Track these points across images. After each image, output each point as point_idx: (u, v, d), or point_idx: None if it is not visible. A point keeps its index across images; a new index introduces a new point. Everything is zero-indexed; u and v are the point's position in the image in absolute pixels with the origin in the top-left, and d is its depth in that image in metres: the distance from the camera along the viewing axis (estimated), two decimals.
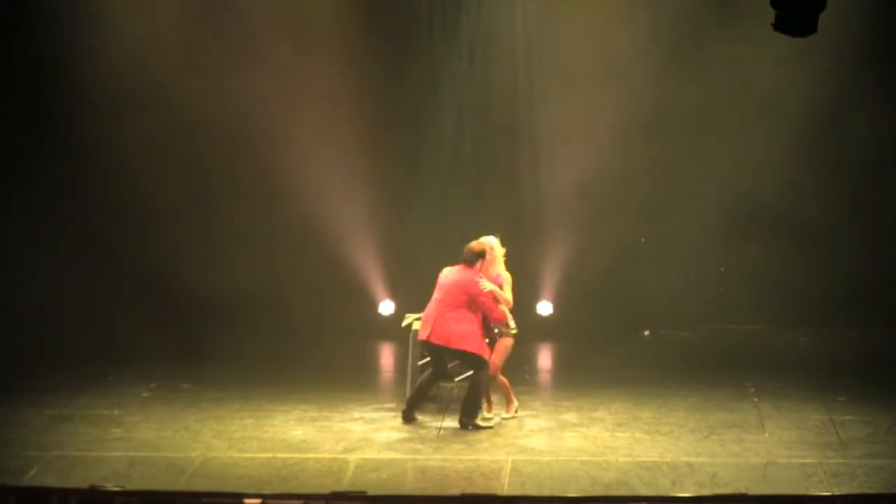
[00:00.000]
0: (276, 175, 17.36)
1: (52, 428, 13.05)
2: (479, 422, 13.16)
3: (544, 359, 17.04)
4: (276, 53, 16.91)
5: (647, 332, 17.79)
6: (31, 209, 17.05)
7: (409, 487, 11.42)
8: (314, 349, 16.61)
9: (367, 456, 12.17)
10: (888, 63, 16.86)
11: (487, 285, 13.08)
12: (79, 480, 11.28)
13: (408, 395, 13.90)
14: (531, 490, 11.23)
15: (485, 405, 13.37)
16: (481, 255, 13.22)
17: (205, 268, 16.92)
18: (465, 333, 13.06)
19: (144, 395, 14.50)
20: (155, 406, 14.00)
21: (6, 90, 16.89)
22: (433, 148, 17.51)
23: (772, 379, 15.17)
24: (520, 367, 15.41)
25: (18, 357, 15.71)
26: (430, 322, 13.17)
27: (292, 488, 11.17)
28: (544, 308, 17.88)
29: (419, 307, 13.67)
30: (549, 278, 17.80)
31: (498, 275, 13.23)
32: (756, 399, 14.27)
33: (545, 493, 11.15)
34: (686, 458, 12.06)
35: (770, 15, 11.66)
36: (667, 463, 11.92)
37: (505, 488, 11.29)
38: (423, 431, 13.09)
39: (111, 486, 10.95)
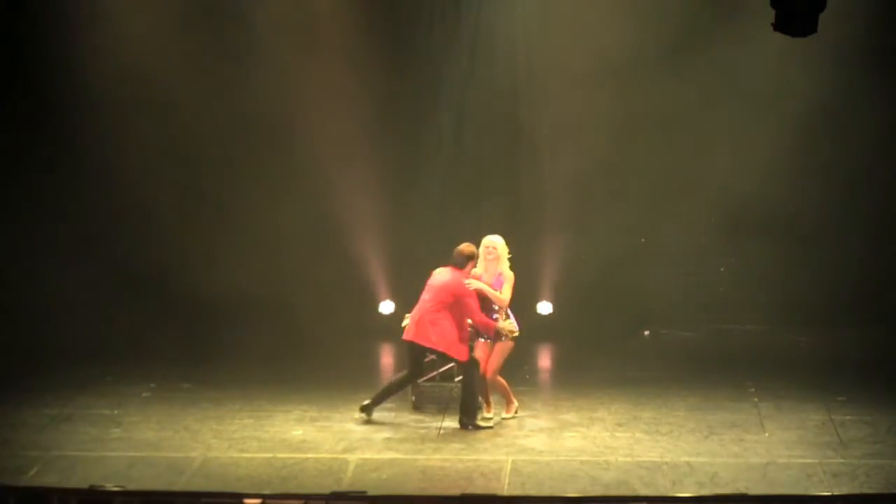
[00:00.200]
0: (277, 175, 17.36)
1: (52, 428, 13.05)
2: (479, 422, 13.17)
3: (544, 359, 17.04)
4: (277, 53, 16.89)
5: (647, 332, 17.79)
6: (33, 209, 17.04)
7: (409, 487, 11.42)
8: (314, 349, 16.60)
9: (367, 456, 12.17)
10: (889, 62, 16.85)
11: (473, 283, 13.08)
12: (79, 480, 11.28)
13: (411, 397, 13.91)
14: (531, 490, 11.23)
15: (484, 405, 13.37)
16: (471, 257, 13.23)
17: (205, 268, 16.91)
18: (443, 334, 13.09)
19: (144, 395, 14.50)
20: (155, 406, 14.00)
21: (9, 91, 16.87)
22: (433, 147, 17.51)
23: (772, 379, 15.17)
24: (520, 367, 15.41)
25: (18, 357, 15.70)
26: (413, 322, 13.22)
27: (292, 488, 11.17)
28: (544, 308, 17.88)
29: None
30: (549, 278, 17.80)
31: (500, 273, 13.23)
32: (756, 399, 14.27)
33: (545, 493, 11.15)
34: (686, 458, 12.06)
35: (770, 15, 11.66)
36: (667, 463, 11.93)
37: (505, 488, 11.29)
38: (423, 431, 13.09)
39: (111, 486, 10.94)
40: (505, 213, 17.12)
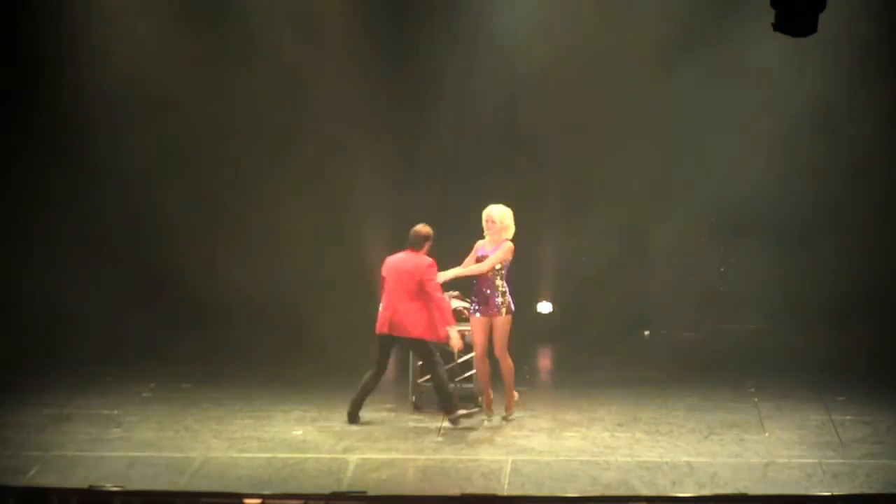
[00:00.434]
0: (277, 176, 17.34)
1: (52, 428, 13.05)
2: (461, 412, 13.16)
3: (544, 359, 17.03)
4: (280, 53, 16.89)
5: (647, 332, 17.78)
6: (35, 209, 17.03)
7: (409, 487, 11.42)
8: (315, 349, 16.59)
9: (367, 456, 12.17)
10: (889, 62, 16.84)
11: (447, 274, 13.05)
12: (79, 480, 11.28)
13: (411, 397, 13.92)
14: (531, 490, 11.23)
15: (483, 396, 13.34)
16: (427, 237, 13.28)
17: (205, 268, 16.90)
18: (418, 322, 13.11)
19: (144, 395, 14.50)
20: (155, 406, 14.00)
21: (15, 93, 16.87)
22: (433, 147, 17.49)
23: (772, 379, 15.17)
24: (519, 366, 15.40)
25: (18, 357, 15.69)
26: (386, 315, 13.21)
27: (292, 488, 11.16)
28: (544, 307, 17.87)
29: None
30: (549, 278, 17.79)
31: (502, 241, 13.11)
32: (756, 399, 14.27)
33: (545, 493, 11.15)
34: (686, 458, 12.06)
35: (770, 15, 11.66)
36: (667, 463, 11.92)
37: (505, 488, 11.29)
38: (422, 431, 13.08)
39: (111, 486, 10.94)
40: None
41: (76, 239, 17.02)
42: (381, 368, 13.43)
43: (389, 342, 13.29)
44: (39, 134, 17.06)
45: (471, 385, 13.98)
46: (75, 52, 16.75)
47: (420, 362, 13.88)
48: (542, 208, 17.54)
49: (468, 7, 17.25)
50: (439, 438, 12.83)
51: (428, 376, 13.94)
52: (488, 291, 13.09)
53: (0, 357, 15.51)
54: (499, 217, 13.15)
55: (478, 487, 11.32)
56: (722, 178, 17.01)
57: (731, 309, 17.74)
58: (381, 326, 13.27)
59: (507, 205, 13.17)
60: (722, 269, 17.87)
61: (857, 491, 11.14)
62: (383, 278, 13.36)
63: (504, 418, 13.37)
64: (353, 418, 13.33)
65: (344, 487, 11.21)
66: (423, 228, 13.33)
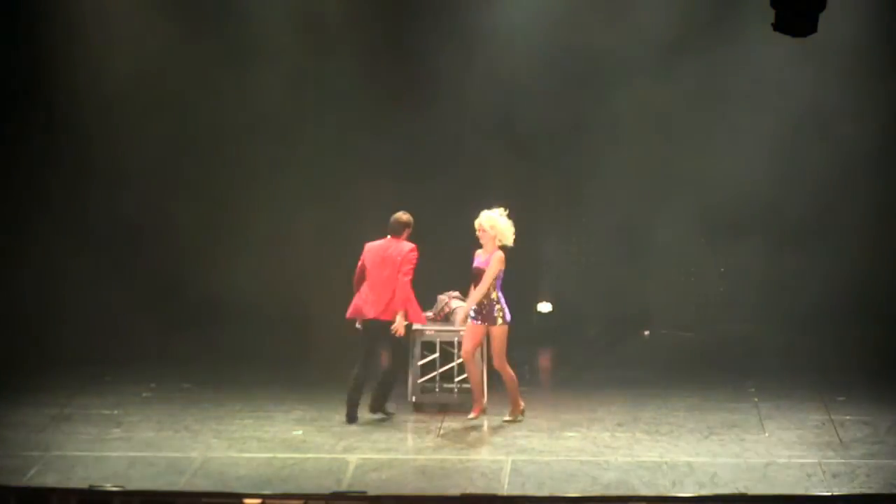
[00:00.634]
0: (277, 176, 17.34)
1: (52, 428, 13.05)
2: (381, 415, 13.35)
3: (544, 358, 17.03)
4: (281, 53, 16.89)
5: (647, 332, 17.79)
6: (37, 209, 17.03)
7: (409, 487, 11.42)
8: (314, 349, 16.59)
9: (367, 456, 12.17)
10: (886, 62, 16.84)
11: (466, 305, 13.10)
12: (79, 480, 11.29)
13: (411, 397, 13.91)
14: (531, 490, 11.23)
15: (474, 405, 13.32)
16: (407, 224, 13.45)
17: (205, 268, 16.90)
18: (393, 305, 13.25)
19: (144, 395, 14.51)
20: (155, 406, 14.00)
21: (14, 94, 16.88)
22: (433, 148, 17.48)
23: (772, 379, 15.17)
24: (520, 367, 15.40)
25: (18, 357, 15.69)
26: (372, 298, 13.32)
27: (292, 488, 11.17)
28: (544, 307, 17.88)
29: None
30: (549, 278, 17.80)
31: (495, 249, 13.12)
32: (756, 399, 14.27)
33: (545, 493, 11.15)
34: (686, 458, 12.06)
35: (770, 15, 11.66)
36: (667, 463, 11.92)
37: (505, 488, 11.29)
38: (422, 431, 13.09)
39: (111, 486, 10.95)
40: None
41: (76, 239, 17.01)
42: (368, 358, 13.47)
43: (368, 326, 13.36)
44: (38, 135, 17.05)
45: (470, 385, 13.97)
46: (77, 54, 16.74)
47: (422, 360, 13.90)
48: (542, 208, 17.54)
49: (467, 6, 17.24)
50: (439, 438, 12.84)
51: (428, 376, 13.95)
52: (484, 301, 13.11)
53: (0, 357, 15.50)
54: (488, 224, 13.16)
55: (478, 487, 11.32)
56: (722, 178, 17.01)
57: (731, 309, 17.74)
58: (355, 311, 13.41)
59: (506, 204, 13.16)
60: (722, 270, 17.87)
61: (857, 491, 11.14)
62: (362, 264, 13.46)
63: (506, 420, 13.35)
64: (352, 417, 13.34)
65: (344, 487, 11.21)
66: (402, 215, 13.52)
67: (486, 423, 13.36)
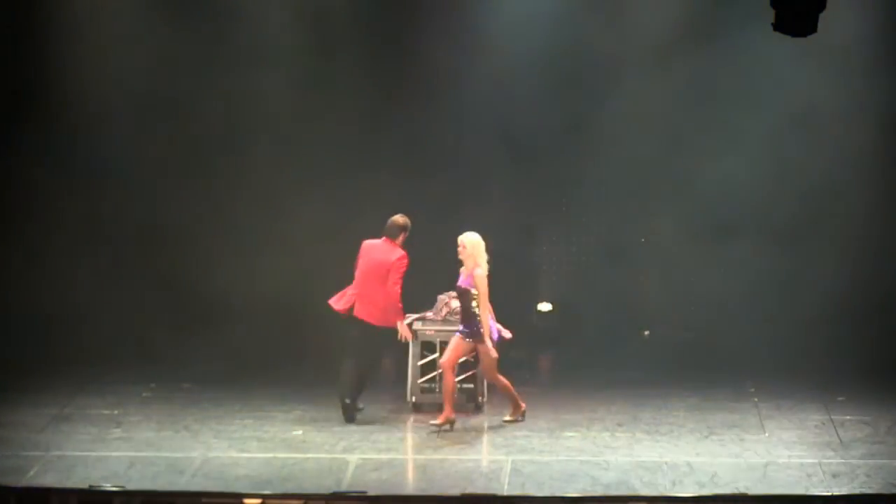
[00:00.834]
0: (278, 176, 17.33)
1: (52, 428, 13.06)
2: (360, 404, 13.48)
3: (544, 358, 17.02)
4: (282, 53, 16.89)
5: (647, 332, 17.77)
6: (37, 210, 17.02)
7: (409, 487, 11.43)
8: (314, 349, 16.58)
9: (367, 456, 12.17)
10: (888, 61, 16.82)
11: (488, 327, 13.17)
12: (79, 480, 11.30)
13: (411, 397, 13.90)
14: (531, 490, 11.23)
15: (446, 408, 13.28)
16: (404, 228, 13.56)
17: (206, 268, 16.89)
18: (376, 307, 13.40)
19: (144, 395, 14.51)
20: (155, 406, 14.00)
21: (28, 98, 16.88)
22: (433, 148, 17.47)
23: (772, 379, 15.16)
24: (520, 366, 15.41)
25: (18, 357, 15.68)
26: (351, 295, 13.49)
27: (292, 488, 11.17)
28: (544, 306, 17.86)
29: (419, 307, 13.70)
30: (549, 277, 17.79)
31: (472, 272, 13.17)
32: (756, 399, 14.27)
33: (545, 493, 11.16)
34: (686, 458, 12.06)
35: (770, 15, 11.65)
36: (667, 463, 11.93)
37: (505, 488, 11.30)
38: (422, 431, 13.09)
39: (111, 486, 10.96)
40: (504, 214, 17.12)
41: (77, 239, 17.00)
42: (352, 350, 13.54)
43: (353, 323, 13.49)
44: (42, 135, 17.03)
45: (471, 385, 13.98)
46: (83, 56, 16.73)
47: (421, 360, 13.90)
48: (541, 207, 17.54)
49: (466, 6, 17.23)
50: (439, 438, 12.84)
51: (429, 376, 13.95)
52: (471, 317, 13.17)
53: (0, 357, 15.50)
54: (470, 244, 13.24)
55: (478, 487, 11.32)
56: (721, 178, 16.99)
57: (731, 309, 17.72)
58: (345, 304, 13.54)
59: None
60: (721, 269, 17.84)
61: (856, 491, 11.15)
62: (358, 259, 13.58)
63: (505, 420, 13.36)
64: (350, 416, 13.35)
65: (344, 487, 11.22)
66: (399, 218, 13.62)
67: (486, 423, 13.37)
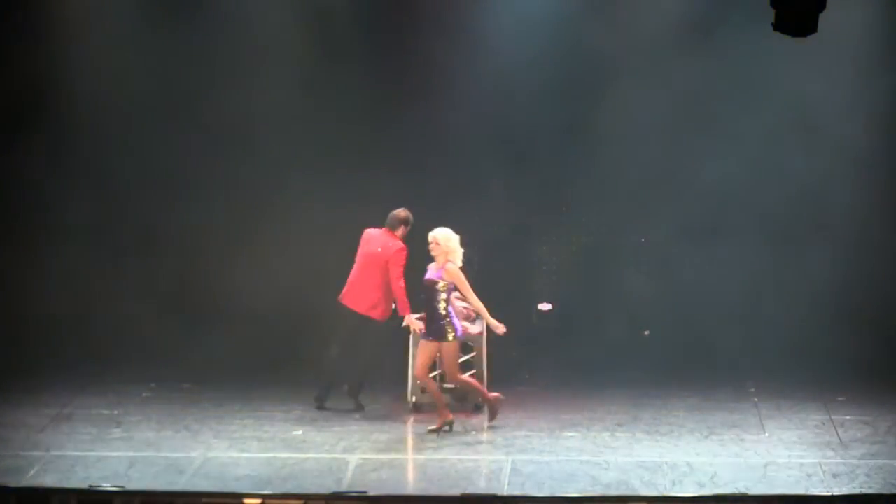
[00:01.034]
0: (276, 177, 17.32)
1: (52, 428, 13.06)
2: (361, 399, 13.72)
3: (544, 358, 16.99)
4: (283, 54, 16.89)
5: (647, 332, 17.76)
6: (38, 210, 17.02)
7: (409, 487, 11.43)
8: (314, 349, 16.57)
9: (367, 456, 12.17)
10: (888, 61, 16.82)
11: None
12: (79, 480, 11.30)
13: (412, 397, 13.89)
14: (531, 490, 11.23)
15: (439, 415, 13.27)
16: (404, 221, 13.78)
17: (207, 268, 16.88)
18: (366, 297, 13.65)
19: (144, 395, 14.51)
20: (155, 406, 14.00)
21: (35, 103, 16.89)
22: (432, 148, 17.46)
23: (772, 379, 15.16)
24: (520, 366, 15.42)
25: (18, 357, 15.68)
26: (349, 285, 13.77)
27: (292, 488, 11.18)
28: (544, 306, 17.85)
29: (419, 307, 13.70)
30: (549, 278, 17.78)
31: (443, 267, 13.16)
32: (756, 399, 14.27)
33: (545, 493, 11.16)
34: (686, 458, 12.07)
35: (770, 15, 11.65)
36: (667, 463, 11.93)
37: (505, 488, 11.30)
38: (422, 431, 13.09)
39: (111, 486, 10.96)
40: (504, 214, 17.11)
41: (78, 239, 16.99)
42: (337, 341, 13.75)
43: (345, 312, 13.73)
44: (44, 135, 17.03)
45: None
46: (87, 59, 16.73)
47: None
48: (540, 208, 17.53)
49: (467, 5, 17.22)
50: (439, 438, 12.84)
51: (429, 376, 13.93)
52: (433, 313, 13.15)
53: (1, 357, 15.50)
54: (443, 239, 13.23)
55: (478, 487, 11.33)
56: (721, 178, 16.98)
57: (730, 309, 17.72)
58: (342, 296, 13.81)
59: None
60: (721, 270, 17.84)
61: (856, 491, 11.15)
62: (359, 248, 13.85)
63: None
64: (321, 405, 13.69)
65: (344, 487, 11.22)
66: (401, 212, 13.87)
67: (485, 423, 13.36)
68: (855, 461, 11.94)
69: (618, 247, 17.56)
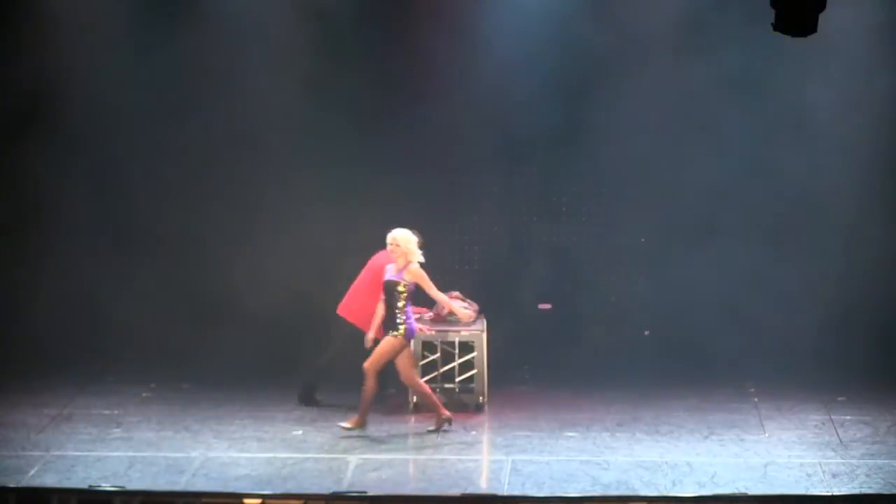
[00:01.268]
0: (276, 178, 17.32)
1: (52, 428, 13.06)
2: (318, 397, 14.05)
3: (544, 358, 16.99)
4: (284, 55, 16.89)
5: (647, 332, 17.76)
6: (39, 211, 17.01)
7: (409, 487, 11.43)
8: (314, 349, 16.57)
9: (367, 456, 12.18)
10: (888, 60, 16.82)
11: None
12: (79, 480, 11.30)
13: (412, 397, 13.90)
14: (531, 490, 11.24)
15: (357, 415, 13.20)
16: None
17: (207, 269, 16.88)
18: (361, 311, 13.81)
19: (144, 395, 14.51)
20: (155, 406, 14.01)
21: (39, 107, 16.89)
22: (433, 148, 17.46)
23: (772, 379, 15.16)
24: (519, 366, 15.41)
25: (19, 357, 15.68)
26: (348, 294, 14.13)
27: (292, 488, 11.18)
28: (544, 306, 17.84)
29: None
30: (548, 277, 17.78)
31: (408, 265, 13.17)
32: (756, 399, 14.27)
33: (545, 493, 11.16)
34: (686, 458, 12.07)
35: (770, 14, 11.65)
36: (667, 463, 11.93)
37: (505, 488, 11.30)
38: (423, 431, 13.09)
39: (111, 486, 10.96)
40: (504, 215, 17.12)
41: (79, 240, 16.99)
42: (332, 347, 14.03)
43: (342, 322, 13.98)
44: (48, 136, 17.03)
45: (472, 385, 13.97)
46: (88, 62, 16.73)
47: (422, 361, 13.92)
48: (540, 207, 17.53)
49: (466, 5, 17.22)
50: (439, 438, 12.84)
51: (428, 377, 13.94)
52: (392, 312, 13.15)
53: (1, 357, 15.50)
54: (403, 241, 13.26)
55: (478, 487, 11.33)
56: (721, 178, 16.99)
57: (730, 308, 17.71)
58: (346, 311, 14.13)
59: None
60: (721, 269, 17.84)
61: (856, 491, 11.15)
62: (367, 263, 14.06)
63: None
64: (306, 398, 14.00)
65: (344, 487, 11.22)
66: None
67: (486, 423, 13.37)
68: (855, 461, 11.94)
69: (618, 246, 17.56)
